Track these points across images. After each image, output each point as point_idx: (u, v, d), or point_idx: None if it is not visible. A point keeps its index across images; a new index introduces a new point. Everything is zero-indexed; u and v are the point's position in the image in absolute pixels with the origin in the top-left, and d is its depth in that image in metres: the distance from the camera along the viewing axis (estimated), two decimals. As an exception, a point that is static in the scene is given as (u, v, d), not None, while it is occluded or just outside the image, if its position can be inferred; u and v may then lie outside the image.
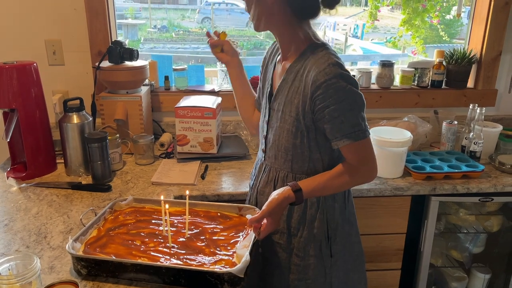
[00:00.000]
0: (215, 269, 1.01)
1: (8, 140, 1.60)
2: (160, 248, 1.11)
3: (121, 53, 1.81)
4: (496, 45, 2.11)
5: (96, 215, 1.24)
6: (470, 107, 1.85)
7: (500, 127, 1.93)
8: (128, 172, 1.72)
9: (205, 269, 1.01)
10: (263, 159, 1.33)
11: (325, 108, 1.09)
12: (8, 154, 1.71)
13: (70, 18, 1.94)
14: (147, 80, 1.97)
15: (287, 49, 1.21)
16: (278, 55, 1.28)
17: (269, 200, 1.16)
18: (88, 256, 1.06)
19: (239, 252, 1.08)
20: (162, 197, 1.24)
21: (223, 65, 2.11)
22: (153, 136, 1.83)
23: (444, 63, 2.17)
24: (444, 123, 1.92)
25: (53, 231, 1.28)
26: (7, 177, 1.61)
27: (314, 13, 1.15)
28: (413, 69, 2.18)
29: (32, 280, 0.93)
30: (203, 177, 1.67)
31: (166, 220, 1.18)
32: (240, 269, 0.99)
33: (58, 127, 1.67)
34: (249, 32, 9.33)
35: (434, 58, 2.22)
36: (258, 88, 1.43)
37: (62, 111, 1.82)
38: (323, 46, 1.16)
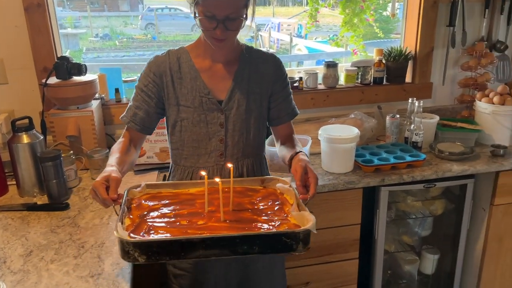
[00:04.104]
0: (293, 230, 1.01)
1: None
2: (212, 224, 1.08)
3: (68, 68, 1.78)
4: (428, 41, 2.28)
5: (123, 201, 1.14)
6: (409, 101, 1.98)
7: (437, 118, 2.09)
8: (85, 188, 1.70)
9: (283, 231, 1.02)
10: (221, 163, 1.36)
11: (281, 90, 1.39)
12: (-46, 180, 1.64)
13: (12, 35, 1.89)
14: (97, 94, 1.95)
15: (231, 53, 1.34)
16: (189, 66, 1.31)
17: (298, 163, 1.21)
18: (151, 239, 0.98)
19: (295, 214, 1.11)
20: (203, 173, 1.15)
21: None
22: (107, 150, 1.81)
23: (383, 60, 2.31)
24: (387, 117, 2.05)
25: (12, 255, 1.25)
26: (-44, 204, 1.55)
27: None
28: (356, 68, 2.31)
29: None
30: (162, 187, 1.68)
31: (220, 195, 1.11)
32: (314, 226, 1.01)
33: (6, 148, 1.63)
34: (195, 36, 9.24)
35: (374, 56, 2.36)
36: (148, 107, 1.34)
37: (10, 132, 1.77)
38: (251, 46, 1.39)
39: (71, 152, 1.71)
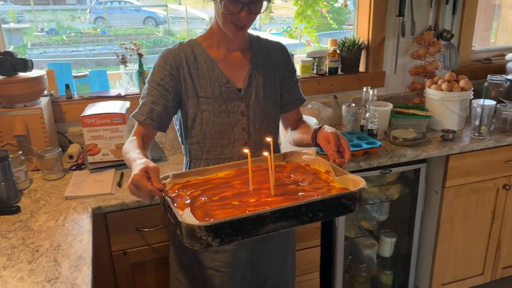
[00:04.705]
0: (351, 191, 1.06)
1: None
2: (266, 199, 1.08)
3: (13, 64, 1.68)
4: (379, 31, 2.34)
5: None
6: (364, 89, 2.03)
7: (390, 106, 2.15)
8: (37, 189, 1.62)
9: (343, 193, 1.06)
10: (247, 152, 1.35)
11: (291, 76, 1.43)
12: None
13: None
14: (46, 90, 1.86)
15: (244, 42, 1.35)
16: (205, 56, 1.31)
17: (327, 132, 1.24)
18: (223, 220, 0.94)
19: (338, 178, 1.15)
20: (246, 150, 1.14)
21: (127, 67, 2.09)
22: (60, 149, 1.74)
23: (337, 51, 2.34)
24: (343, 106, 2.09)
25: (-41, 265, 1.17)
26: None
27: None
28: (312, 59, 2.33)
29: None
30: (120, 184, 1.64)
31: (274, 173, 1.13)
32: (365, 184, 1.08)
33: None
34: (147, 29, 9.07)
35: (328, 46, 2.39)
36: (167, 102, 1.30)
37: (-50, 133, 1.65)
38: (257, 35, 1.41)
39: (20, 152, 1.62)
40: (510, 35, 3.27)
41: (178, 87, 1.30)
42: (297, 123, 1.48)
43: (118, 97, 2.00)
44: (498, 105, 2.11)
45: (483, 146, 2.01)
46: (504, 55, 2.62)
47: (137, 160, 1.10)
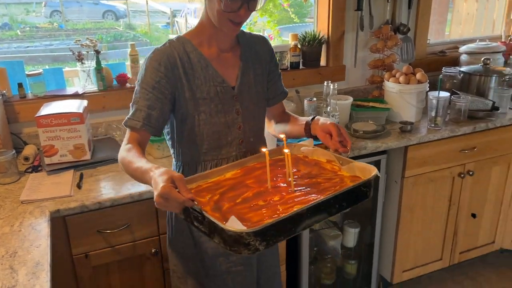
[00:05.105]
0: (368, 178, 1.12)
1: None
2: (289, 196, 1.09)
3: (-41, 63, 1.60)
4: (339, 25, 2.37)
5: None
6: (325, 84, 2.05)
7: (351, 99, 2.19)
8: (-10, 194, 1.55)
9: (361, 182, 1.11)
10: (242, 150, 1.36)
11: (276, 70, 1.44)
12: None
13: None
14: (-4, 90, 1.77)
15: (234, 38, 1.33)
16: (197, 55, 1.26)
17: (325, 123, 1.29)
18: (269, 224, 0.93)
19: (345, 167, 1.21)
20: (264, 150, 1.17)
21: (84, 64, 2.02)
22: (14, 151, 1.67)
23: (298, 45, 2.36)
24: (305, 101, 2.11)
25: None
26: None
27: None
28: (273, 53, 2.33)
29: None
30: (79, 186, 1.59)
31: (291, 170, 1.16)
32: (377, 170, 1.15)
33: None
34: (106, 23, 8.82)
35: (289, 41, 2.40)
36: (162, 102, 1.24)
37: None
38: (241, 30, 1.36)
39: (-30, 156, 1.54)
40: (463, 28, 3.39)
41: (174, 89, 1.24)
42: (281, 116, 1.51)
43: (75, 96, 1.94)
44: (452, 96, 2.19)
45: (439, 136, 2.08)
46: (457, 48, 2.72)
47: (154, 170, 1.02)
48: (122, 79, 2.05)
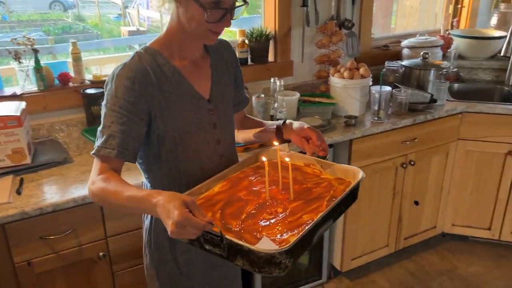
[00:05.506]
0: (358, 181, 1.17)
1: None
2: (291, 205, 1.10)
3: None
4: (285, 21, 2.40)
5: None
6: (271, 80, 2.08)
7: (297, 95, 2.24)
8: None
9: (354, 185, 1.16)
10: (224, 165, 1.27)
11: (240, 75, 1.36)
12: None
13: None
14: None
15: (203, 48, 1.25)
16: (170, 68, 1.16)
17: (301, 128, 1.28)
18: (297, 239, 0.92)
19: (328, 171, 1.26)
20: (264, 158, 1.20)
21: (22, 63, 1.94)
22: None
23: (246, 41, 2.37)
24: (253, 98, 2.13)
25: None
26: None
27: None
28: (220, 50, 2.33)
29: None
30: (19, 192, 1.54)
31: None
32: (362, 172, 1.20)
33: None
34: (54, 15, 8.45)
35: (237, 37, 2.41)
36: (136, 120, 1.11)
37: None
38: None
39: None
40: (408, 21, 3.52)
41: (150, 109, 1.12)
42: (243, 121, 1.45)
43: (13, 97, 1.87)
44: (394, 90, 2.28)
45: (381, 129, 2.17)
46: (400, 42, 2.82)
47: (157, 197, 0.93)
48: (64, 79, 1.99)
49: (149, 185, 1.26)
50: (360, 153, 2.17)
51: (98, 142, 1.09)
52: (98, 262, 1.65)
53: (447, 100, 2.44)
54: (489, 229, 2.59)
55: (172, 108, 1.15)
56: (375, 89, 2.18)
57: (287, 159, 1.18)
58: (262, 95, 2.14)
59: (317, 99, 2.27)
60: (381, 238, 2.47)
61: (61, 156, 1.78)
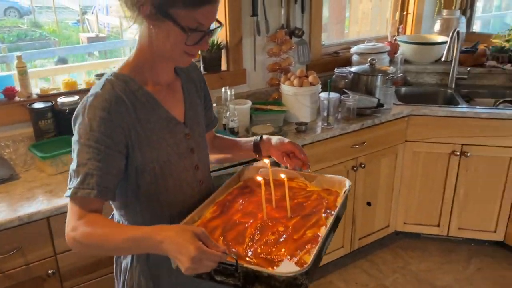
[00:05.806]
0: (349, 189, 1.21)
1: None
2: (290, 223, 1.11)
3: None
4: (236, 31, 2.44)
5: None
6: (223, 90, 2.12)
7: (249, 103, 2.28)
8: None
9: (345, 195, 1.20)
10: (203, 191, 1.24)
11: (208, 95, 1.32)
12: None
13: None
14: None
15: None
16: (144, 94, 1.10)
17: (282, 143, 1.28)
18: (313, 259, 0.94)
19: (314, 183, 1.29)
20: (259, 178, 1.19)
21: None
22: None
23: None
24: (205, 107, 2.16)
25: None
26: None
27: None
28: (172, 60, 2.34)
29: None
30: (-39, 213, 1.51)
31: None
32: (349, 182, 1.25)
33: None
34: (8, 21, 8.20)
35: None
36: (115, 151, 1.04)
37: None
38: None
39: None
40: (360, 27, 3.63)
41: (127, 141, 1.05)
42: (213, 141, 1.40)
43: (-45, 114, 1.82)
44: (342, 96, 2.36)
45: (331, 134, 2.24)
46: (351, 48, 2.91)
47: (162, 233, 0.89)
48: (9, 93, 1.96)
49: (125, 221, 1.17)
50: (312, 158, 2.18)
51: (73, 183, 0.99)
52: (48, 279, 1.63)
53: (394, 104, 2.54)
54: (438, 225, 2.71)
55: (151, 137, 1.09)
56: (324, 95, 2.25)
57: (282, 175, 1.20)
58: (214, 104, 2.16)
59: (268, 107, 2.32)
60: (337, 239, 2.54)
61: (7, 173, 1.75)
